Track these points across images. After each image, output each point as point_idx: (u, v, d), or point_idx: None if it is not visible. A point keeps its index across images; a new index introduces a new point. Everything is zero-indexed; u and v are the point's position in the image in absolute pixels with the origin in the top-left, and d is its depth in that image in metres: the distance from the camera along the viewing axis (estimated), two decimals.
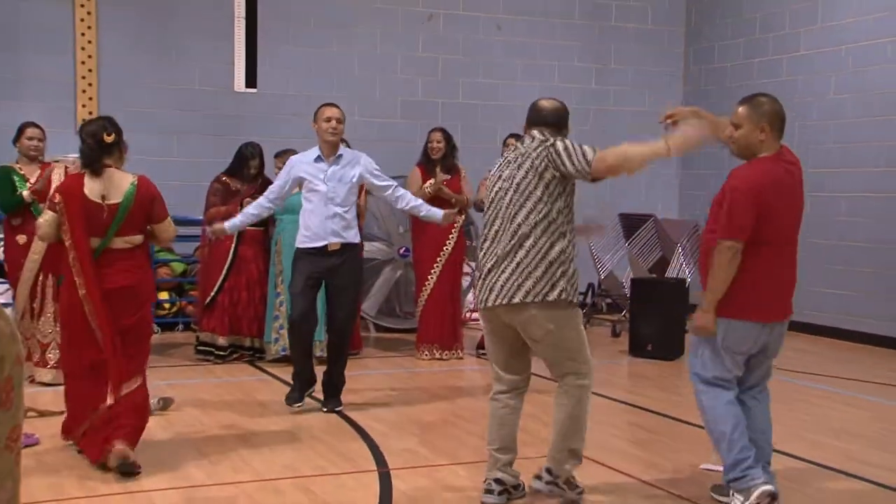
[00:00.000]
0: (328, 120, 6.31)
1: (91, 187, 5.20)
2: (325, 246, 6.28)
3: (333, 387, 6.51)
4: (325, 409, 6.42)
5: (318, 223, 6.28)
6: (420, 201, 6.78)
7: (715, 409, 4.56)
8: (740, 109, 4.58)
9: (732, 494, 4.50)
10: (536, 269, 4.42)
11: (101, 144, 5.26)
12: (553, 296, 4.41)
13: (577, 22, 11.63)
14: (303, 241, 6.38)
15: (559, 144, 4.46)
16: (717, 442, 4.58)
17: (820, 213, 9.79)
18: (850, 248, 9.88)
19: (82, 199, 5.17)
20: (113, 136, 5.28)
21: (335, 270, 6.33)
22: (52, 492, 4.71)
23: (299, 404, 6.43)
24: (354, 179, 6.40)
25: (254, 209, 6.60)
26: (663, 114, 4.82)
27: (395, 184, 6.67)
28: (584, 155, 4.41)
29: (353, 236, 6.41)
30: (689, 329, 4.58)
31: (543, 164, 4.45)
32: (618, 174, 4.67)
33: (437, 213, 6.72)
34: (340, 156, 6.41)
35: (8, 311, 5.50)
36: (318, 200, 6.31)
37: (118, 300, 5.15)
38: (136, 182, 5.24)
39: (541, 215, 4.44)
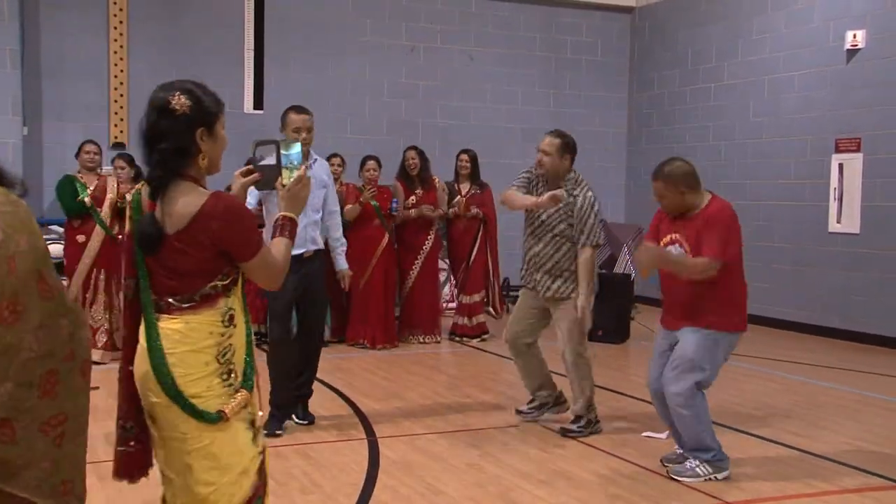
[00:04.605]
0: (297, 131, 5.05)
1: None
2: (302, 254, 5.11)
3: (305, 398, 5.45)
4: (305, 423, 5.39)
5: (300, 230, 5.10)
6: (340, 246, 5.69)
7: (704, 408, 4.53)
8: (658, 185, 4.48)
9: (698, 463, 4.50)
10: None
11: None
12: None
13: (538, 54, 11.62)
14: None
15: None
16: (701, 431, 4.50)
17: (742, 218, 9.71)
18: (767, 248, 9.94)
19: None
20: None
21: (309, 277, 5.21)
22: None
23: (280, 432, 5.17)
24: (323, 185, 5.37)
25: None
26: (640, 274, 4.85)
27: (335, 211, 5.58)
28: None
29: (321, 242, 5.39)
30: (635, 257, 4.43)
31: None
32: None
33: (341, 264, 5.72)
34: (315, 161, 5.31)
35: None
36: None
37: None
38: None
39: None
